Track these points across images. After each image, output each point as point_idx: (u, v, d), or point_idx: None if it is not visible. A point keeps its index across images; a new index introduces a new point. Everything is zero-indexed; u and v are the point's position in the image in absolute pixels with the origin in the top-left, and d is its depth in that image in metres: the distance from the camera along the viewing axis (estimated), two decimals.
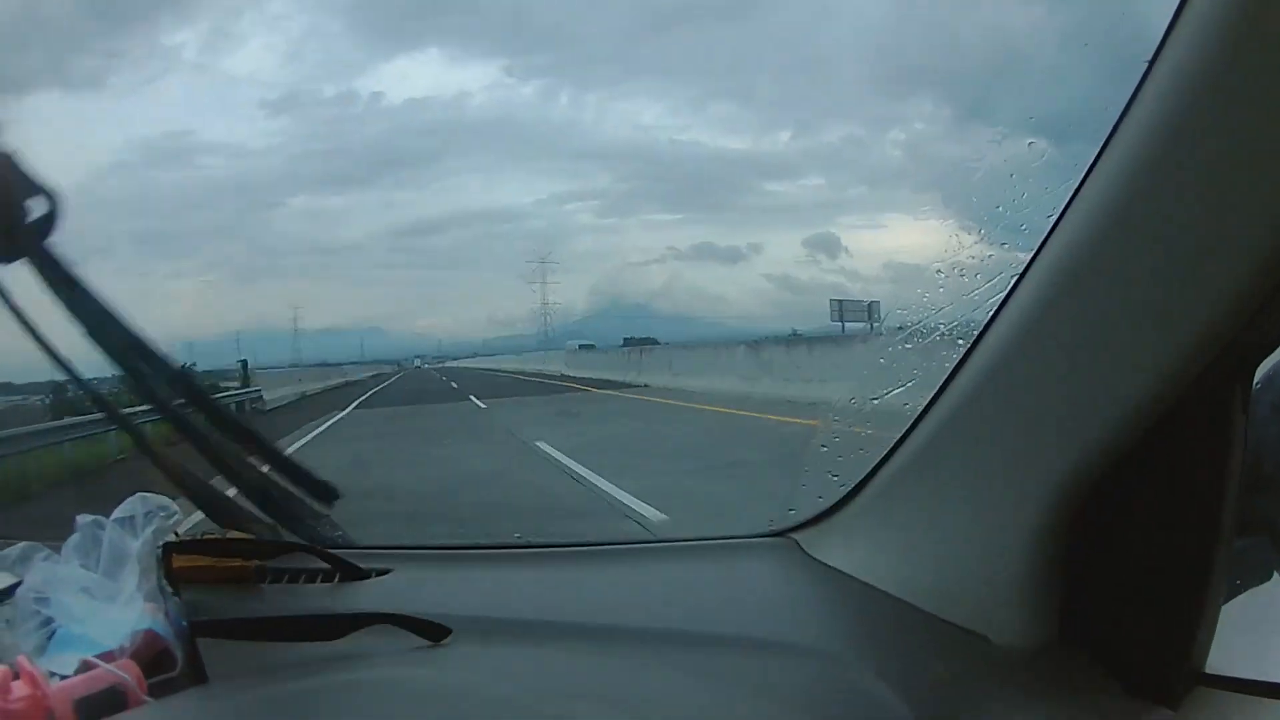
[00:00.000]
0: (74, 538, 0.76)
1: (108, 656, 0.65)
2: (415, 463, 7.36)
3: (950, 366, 0.67)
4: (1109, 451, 0.56)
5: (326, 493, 0.93)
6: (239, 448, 0.94)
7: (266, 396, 16.54)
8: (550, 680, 0.67)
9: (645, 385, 16.63)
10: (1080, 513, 0.59)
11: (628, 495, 4.90)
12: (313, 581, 0.88)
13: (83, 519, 0.77)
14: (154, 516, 0.77)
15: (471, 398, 16.49)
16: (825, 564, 0.82)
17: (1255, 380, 0.58)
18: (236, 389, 15.81)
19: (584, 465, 6.14)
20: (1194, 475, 0.57)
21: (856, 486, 0.80)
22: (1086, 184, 0.54)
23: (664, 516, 4.27)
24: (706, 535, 0.99)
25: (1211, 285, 0.48)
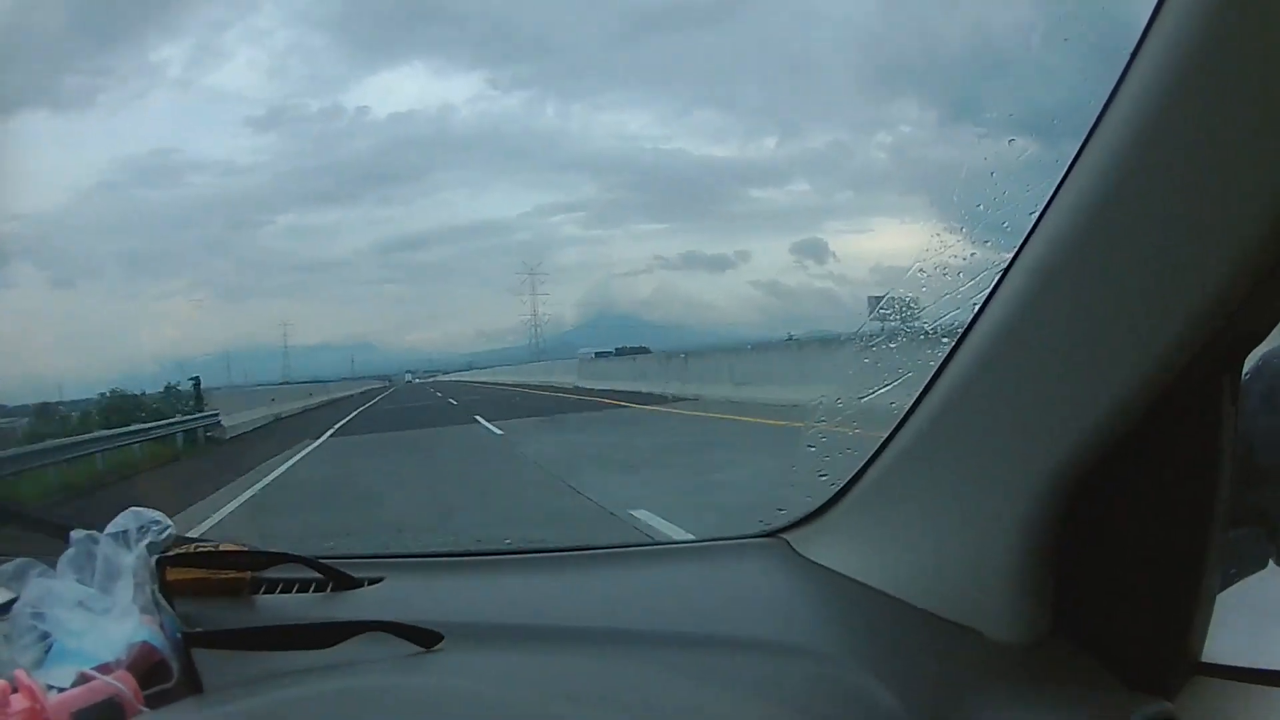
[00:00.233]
0: (68, 552, 0.76)
1: (104, 669, 0.66)
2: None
3: (935, 365, 0.68)
4: (1098, 444, 0.56)
5: None
6: None
7: (228, 422, 13.48)
8: (543, 684, 0.67)
9: (696, 398, 12.57)
10: (1071, 506, 0.59)
11: None
12: (305, 591, 0.88)
13: (77, 534, 0.77)
14: (147, 530, 0.78)
15: (479, 419, 12.46)
16: (816, 563, 0.82)
17: (1244, 371, 0.59)
18: (189, 414, 12.92)
19: None
20: (1185, 467, 0.57)
21: (846, 485, 0.80)
22: (1068, 180, 0.54)
23: None
24: (697, 538, 0.99)
25: (1195, 278, 0.48)
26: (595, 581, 0.92)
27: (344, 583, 0.88)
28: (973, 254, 0.75)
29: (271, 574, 0.88)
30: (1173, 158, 0.48)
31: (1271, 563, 0.67)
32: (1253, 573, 0.68)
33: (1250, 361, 0.59)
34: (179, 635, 0.70)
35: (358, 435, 12.33)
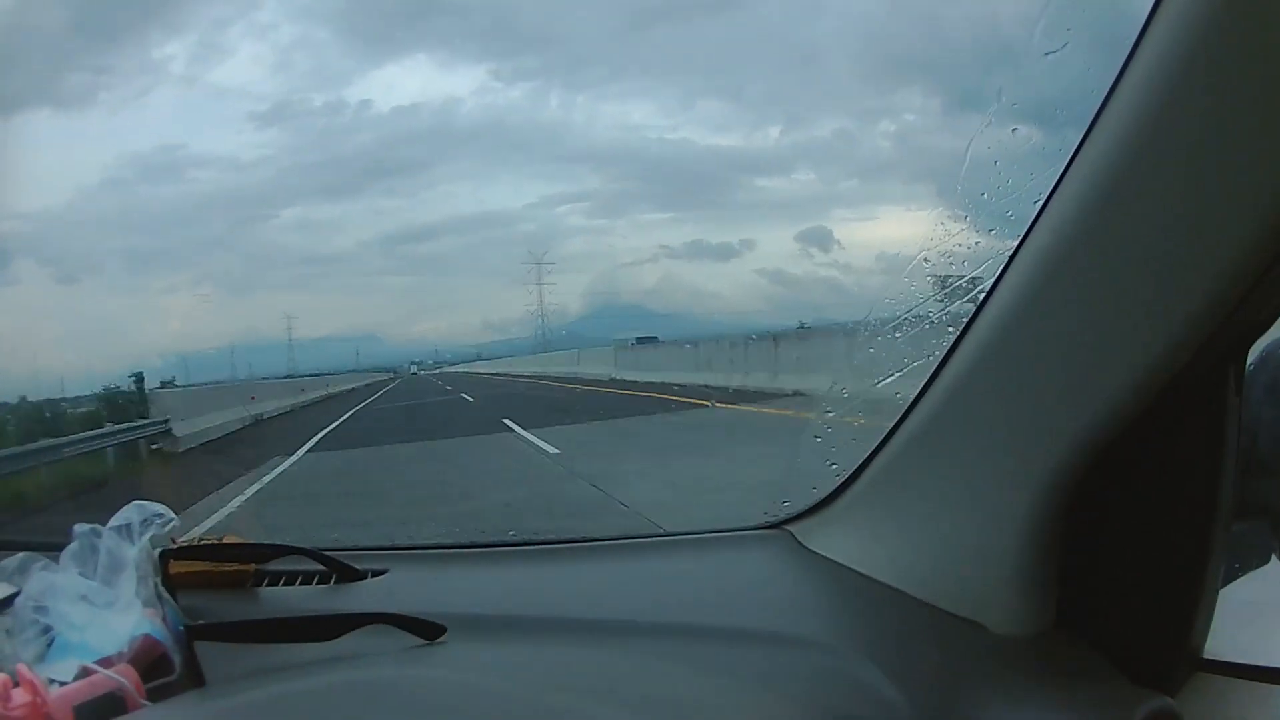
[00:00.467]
0: (71, 546, 0.76)
1: (106, 662, 0.66)
2: None
3: (940, 355, 0.67)
4: (1102, 435, 0.55)
5: None
6: None
7: (184, 430, 10.45)
8: (547, 675, 0.67)
9: (795, 394, 9.10)
10: (1075, 499, 0.59)
11: None
12: (309, 583, 0.88)
13: (80, 527, 0.77)
14: (150, 523, 0.78)
15: (514, 426, 8.82)
16: (820, 555, 0.82)
17: (1248, 362, 0.58)
18: (126, 422, 10.01)
19: None
20: (1189, 458, 0.57)
21: (850, 477, 0.80)
22: (1072, 169, 0.54)
23: None
24: (701, 528, 0.98)
25: (1200, 268, 0.48)
26: (599, 573, 0.92)
27: (347, 575, 0.88)
28: (977, 242, 0.74)
29: (275, 566, 0.89)
30: (1176, 148, 0.48)
31: (1275, 557, 0.67)
32: (1256, 567, 0.68)
33: (1255, 352, 0.59)
34: (182, 628, 0.70)
35: (344, 450, 8.96)
